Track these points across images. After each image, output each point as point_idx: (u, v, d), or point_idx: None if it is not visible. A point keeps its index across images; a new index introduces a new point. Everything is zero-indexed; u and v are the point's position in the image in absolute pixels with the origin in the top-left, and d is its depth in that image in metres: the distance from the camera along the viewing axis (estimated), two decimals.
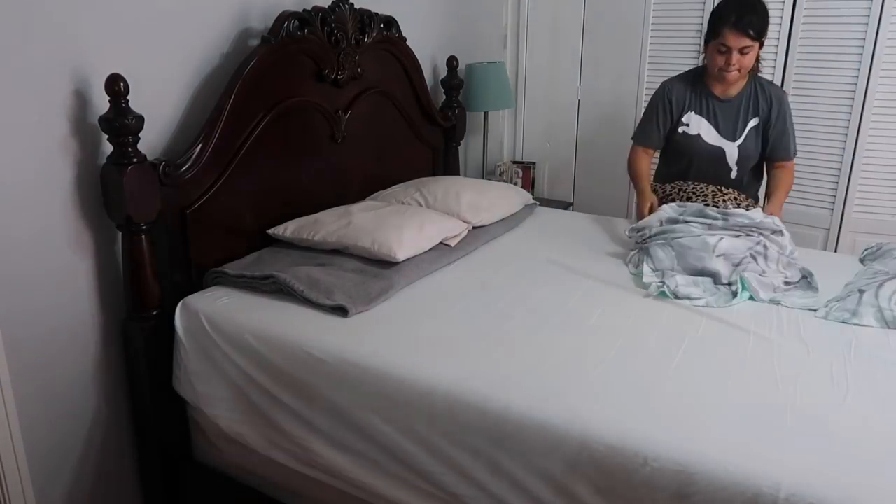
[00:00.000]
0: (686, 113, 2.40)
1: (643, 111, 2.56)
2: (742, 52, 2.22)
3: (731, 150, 2.38)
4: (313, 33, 2.13)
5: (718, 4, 2.30)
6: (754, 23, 2.19)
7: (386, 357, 1.55)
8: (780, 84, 2.89)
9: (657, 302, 1.83)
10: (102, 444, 1.88)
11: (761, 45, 2.27)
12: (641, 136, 2.53)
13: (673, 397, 1.38)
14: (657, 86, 3.23)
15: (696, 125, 2.38)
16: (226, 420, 1.74)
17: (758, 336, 1.64)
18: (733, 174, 2.40)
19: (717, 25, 2.24)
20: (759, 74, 2.41)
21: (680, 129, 2.41)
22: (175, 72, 1.90)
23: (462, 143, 3.08)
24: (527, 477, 1.35)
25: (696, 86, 2.41)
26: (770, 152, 2.40)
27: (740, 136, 2.36)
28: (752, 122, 2.36)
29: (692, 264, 1.97)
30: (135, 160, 1.67)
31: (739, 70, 2.26)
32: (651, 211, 2.34)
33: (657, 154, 2.61)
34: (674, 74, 2.53)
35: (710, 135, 2.38)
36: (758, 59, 2.32)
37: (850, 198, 2.87)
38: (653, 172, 2.63)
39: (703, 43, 2.38)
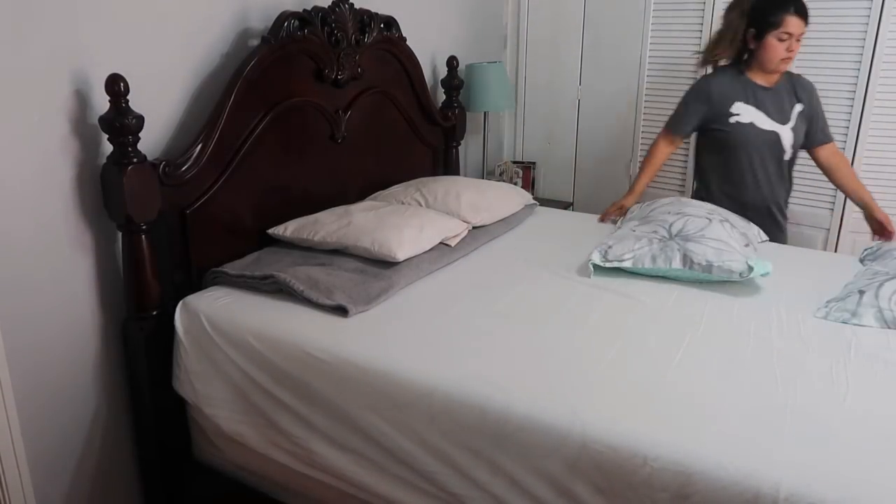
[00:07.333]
0: (733, 104, 2.42)
1: (680, 101, 2.56)
2: (798, 39, 2.27)
3: (786, 133, 2.43)
4: (313, 33, 2.13)
5: None
6: (807, 8, 2.25)
7: (386, 357, 1.55)
8: None
9: (658, 302, 1.83)
10: (102, 444, 1.88)
11: None
12: (671, 124, 2.56)
13: (673, 397, 1.38)
14: (657, 86, 3.26)
15: (747, 114, 2.41)
16: (225, 420, 1.74)
17: (758, 336, 1.64)
18: (787, 156, 2.46)
19: (775, 14, 2.26)
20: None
21: (732, 120, 2.42)
22: (175, 72, 1.90)
23: (462, 143, 3.08)
24: (527, 477, 1.35)
25: (739, 78, 2.43)
26: (811, 137, 2.48)
27: (789, 120, 2.42)
28: (798, 108, 2.43)
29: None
30: (135, 160, 1.67)
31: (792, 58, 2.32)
32: (619, 211, 2.56)
33: (675, 151, 2.66)
34: (710, 73, 2.56)
35: (763, 122, 2.41)
36: None
37: None
38: (672, 169, 2.65)
39: (751, 35, 2.35)
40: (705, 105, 2.46)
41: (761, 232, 2.36)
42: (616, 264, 1.98)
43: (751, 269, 1.84)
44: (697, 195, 2.60)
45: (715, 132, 2.47)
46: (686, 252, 1.93)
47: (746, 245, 2.09)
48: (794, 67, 2.85)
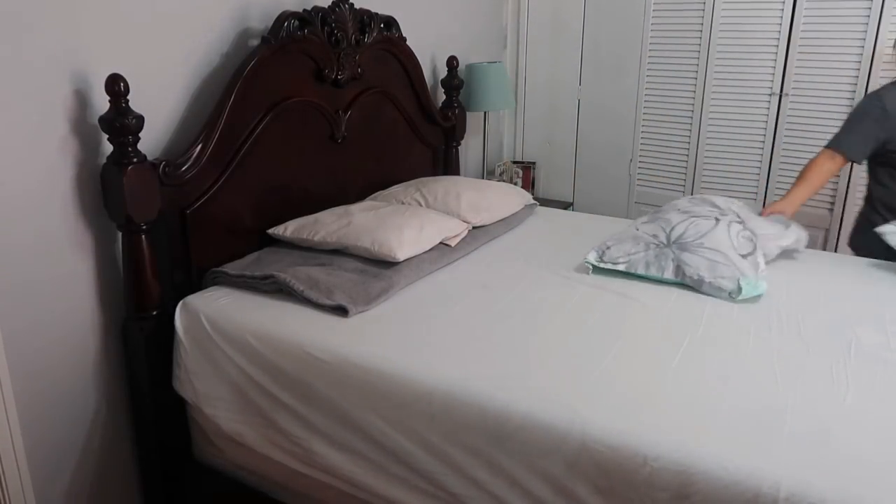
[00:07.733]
0: None
1: (847, 118, 2.27)
2: None
3: None
4: (313, 33, 2.13)
5: None
6: None
7: (386, 357, 1.55)
8: (780, 84, 2.90)
9: (658, 302, 1.83)
10: (102, 444, 1.88)
11: None
12: (839, 142, 2.24)
13: (673, 397, 1.38)
14: (657, 86, 3.27)
15: None
16: (225, 420, 1.74)
17: (758, 336, 1.64)
18: None
19: None
20: None
21: None
22: (175, 72, 1.90)
23: (462, 143, 3.08)
24: (527, 477, 1.35)
25: None
26: None
27: None
28: None
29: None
30: (135, 160, 1.67)
31: None
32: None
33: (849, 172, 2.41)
34: (885, 89, 2.23)
35: None
36: None
37: (849, 198, 2.87)
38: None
39: None
40: (881, 125, 2.14)
41: (800, 237, 2.17)
42: (610, 266, 1.99)
43: (740, 290, 1.80)
44: (868, 212, 2.35)
45: (891, 154, 2.18)
46: (679, 263, 1.91)
47: (748, 254, 1.95)
48: (794, 66, 2.87)
